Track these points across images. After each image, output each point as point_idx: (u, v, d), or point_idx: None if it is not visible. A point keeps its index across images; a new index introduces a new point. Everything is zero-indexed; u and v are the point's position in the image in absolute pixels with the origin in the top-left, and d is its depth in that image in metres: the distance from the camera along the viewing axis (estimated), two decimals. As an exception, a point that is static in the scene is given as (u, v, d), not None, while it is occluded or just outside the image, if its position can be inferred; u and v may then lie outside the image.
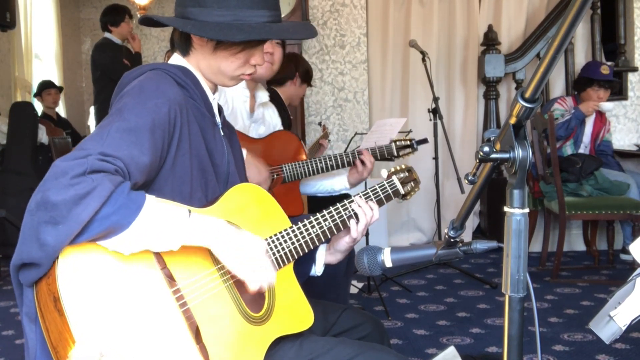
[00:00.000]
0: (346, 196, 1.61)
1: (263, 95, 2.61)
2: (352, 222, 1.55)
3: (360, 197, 1.59)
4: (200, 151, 1.38)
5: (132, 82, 1.34)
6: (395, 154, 2.54)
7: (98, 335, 1.08)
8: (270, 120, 2.68)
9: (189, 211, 1.20)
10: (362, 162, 2.43)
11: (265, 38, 1.37)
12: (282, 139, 2.55)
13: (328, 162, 2.46)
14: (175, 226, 1.17)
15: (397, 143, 2.55)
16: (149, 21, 1.44)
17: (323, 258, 1.66)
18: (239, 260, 1.25)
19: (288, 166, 2.44)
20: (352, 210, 1.55)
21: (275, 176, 2.42)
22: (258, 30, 1.34)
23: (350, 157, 2.47)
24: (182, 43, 1.44)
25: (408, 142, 2.55)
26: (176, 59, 1.46)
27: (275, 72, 2.65)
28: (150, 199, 1.15)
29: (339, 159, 2.46)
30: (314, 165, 2.45)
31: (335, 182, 2.60)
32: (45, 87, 6.08)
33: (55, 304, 1.08)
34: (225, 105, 2.39)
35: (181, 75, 1.39)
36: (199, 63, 1.43)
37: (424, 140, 2.60)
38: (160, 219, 1.15)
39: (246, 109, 2.51)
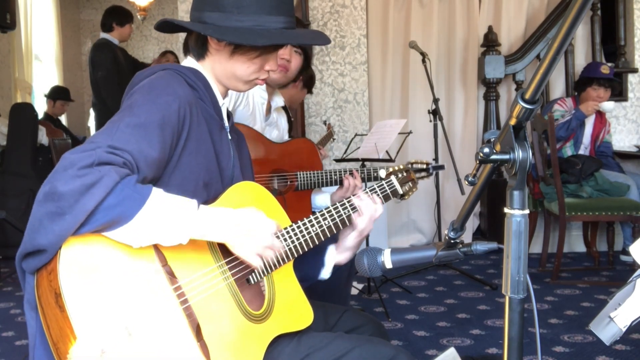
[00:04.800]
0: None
1: (279, 101, 2.66)
2: (355, 215, 1.54)
3: (365, 192, 1.59)
4: (207, 151, 1.39)
5: (143, 81, 1.35)
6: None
7: (99, 331, 1.09)
8: (282, 126, 2.72)
9: (198, 204, 1.21)
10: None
11: (285, 43, 1.41)
12: (301, 146, 2.56)
13: (342, 175, 2.46)
14: (183, 219, 1.18)
15: (414, 166, 2.55)
16: (165, 27, 1.44)
17: (333, 260, 1.62)
18: (251, 251, 1.29)
19: (303, 174, 2.44)
20: (352, 205, 1.54)
21: (289, 182, 2.42)
22: (277, 35, 1.36)
23: (365, 173, 2.49)
24: (197, 47, 1.45)
25: (425, 166, 2.54)
26: (189, 62, 1.47)
27: (288, 80, 2.66)
28: (157, 192, 1.16)
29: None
30: (328, 176, 2.46)
31: (317, 199, 2.62)
32: (66, 97, 6.13)
33: (57, 300, 1.08)
34: (247, 107, 2.41)
35: (192, 76, 1.40)
36: (214, 67, 1.44)
37: (441, 167, 2.56)
38: (167, 211, 1.15)
39: (263, 112, 2.54)
